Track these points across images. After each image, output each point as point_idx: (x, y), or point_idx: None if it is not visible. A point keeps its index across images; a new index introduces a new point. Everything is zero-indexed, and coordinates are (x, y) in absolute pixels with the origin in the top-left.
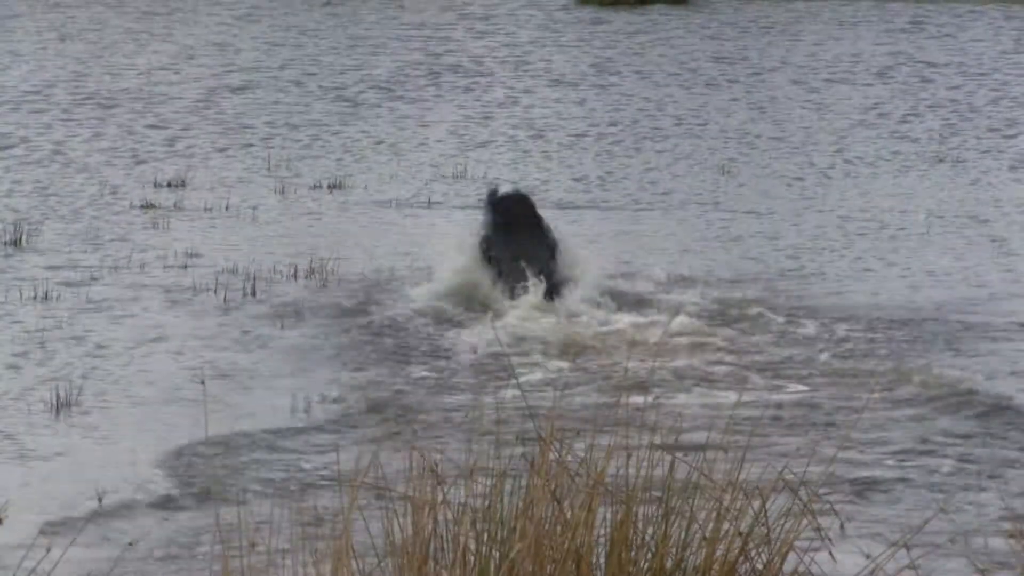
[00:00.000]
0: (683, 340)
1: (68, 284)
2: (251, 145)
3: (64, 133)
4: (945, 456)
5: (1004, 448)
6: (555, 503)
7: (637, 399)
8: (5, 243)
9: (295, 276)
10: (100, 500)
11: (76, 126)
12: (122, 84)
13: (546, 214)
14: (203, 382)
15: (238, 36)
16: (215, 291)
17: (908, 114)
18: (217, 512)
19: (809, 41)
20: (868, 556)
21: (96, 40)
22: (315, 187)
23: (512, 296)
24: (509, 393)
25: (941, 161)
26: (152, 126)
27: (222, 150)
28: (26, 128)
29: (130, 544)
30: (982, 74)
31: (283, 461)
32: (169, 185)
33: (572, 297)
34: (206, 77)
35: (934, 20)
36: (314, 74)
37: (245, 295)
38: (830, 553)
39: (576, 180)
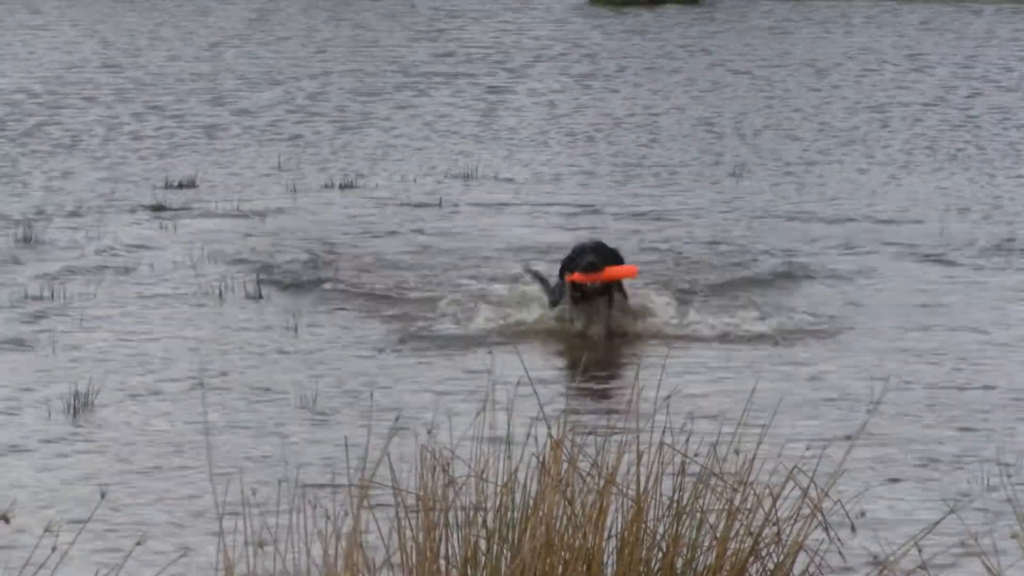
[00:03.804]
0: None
1: (77, 281)
2: (263, 143)
3: (76, 127)
4: (956, 456)
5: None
6: (566, 502)
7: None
8: (16, 240)
9: (304, 276)
10: (103, 495)
11: (90, 119)
12: (138, 78)
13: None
14: (202, 384)
15: (252, 32)
16: (223, 291)
17: (918, 108)
18: (221, 512)
19: (820, 40)
20: (875, 557)
21: (115, 33)
22: (327, 186)
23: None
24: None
25: (954, 158)
26: (168, 116)
27: (233, 147)
28: (38, 122)
29: (138, 544)
30: (995, 76)
31: (293, 459)
32: (180, 185)
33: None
34: (221, 72)
35: (948, 17)
36: (327, 70)
37: (254, 296)
38: (840, 553)
39: (588, 177)
